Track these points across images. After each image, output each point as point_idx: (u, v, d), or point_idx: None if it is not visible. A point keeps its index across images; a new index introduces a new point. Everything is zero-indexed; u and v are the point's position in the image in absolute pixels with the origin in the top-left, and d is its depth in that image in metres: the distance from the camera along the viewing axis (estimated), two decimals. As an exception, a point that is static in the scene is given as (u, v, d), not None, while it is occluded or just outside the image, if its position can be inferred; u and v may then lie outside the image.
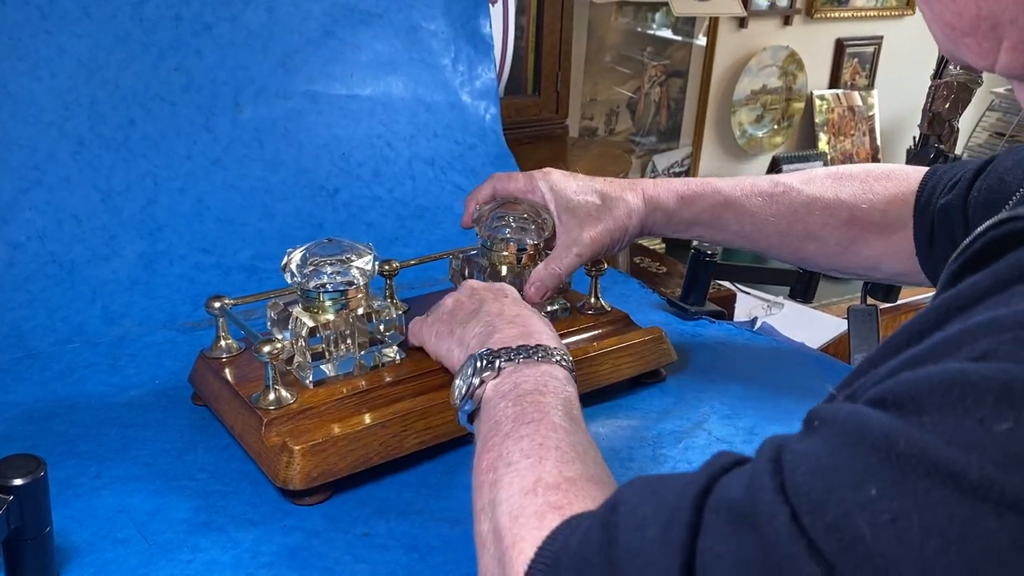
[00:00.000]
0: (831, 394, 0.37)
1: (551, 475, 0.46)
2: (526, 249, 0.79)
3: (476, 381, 0.57)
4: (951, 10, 0.40)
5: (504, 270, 0.79)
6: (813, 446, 0.31)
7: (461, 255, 0.82)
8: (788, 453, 0.32)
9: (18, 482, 0.50)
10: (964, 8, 0.39)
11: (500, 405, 0.53)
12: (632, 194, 0.77)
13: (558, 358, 0.58)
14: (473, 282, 0.71)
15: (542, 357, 0.57)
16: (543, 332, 0.61)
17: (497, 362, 0.57)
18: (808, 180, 0.77)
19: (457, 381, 0.59)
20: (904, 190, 0.75)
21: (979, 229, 0.35)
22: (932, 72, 0.86)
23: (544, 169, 0.80)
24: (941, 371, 0.29)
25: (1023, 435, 0.26)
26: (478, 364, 0.57)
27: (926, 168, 0.75)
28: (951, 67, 0.82)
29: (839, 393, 0.36)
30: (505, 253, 0.79)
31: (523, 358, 0.57)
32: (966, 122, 2.68)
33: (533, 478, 0.46)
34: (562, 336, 0.78)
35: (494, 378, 0.57)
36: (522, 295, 0.73)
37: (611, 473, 0.49)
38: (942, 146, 0.85)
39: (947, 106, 0.83)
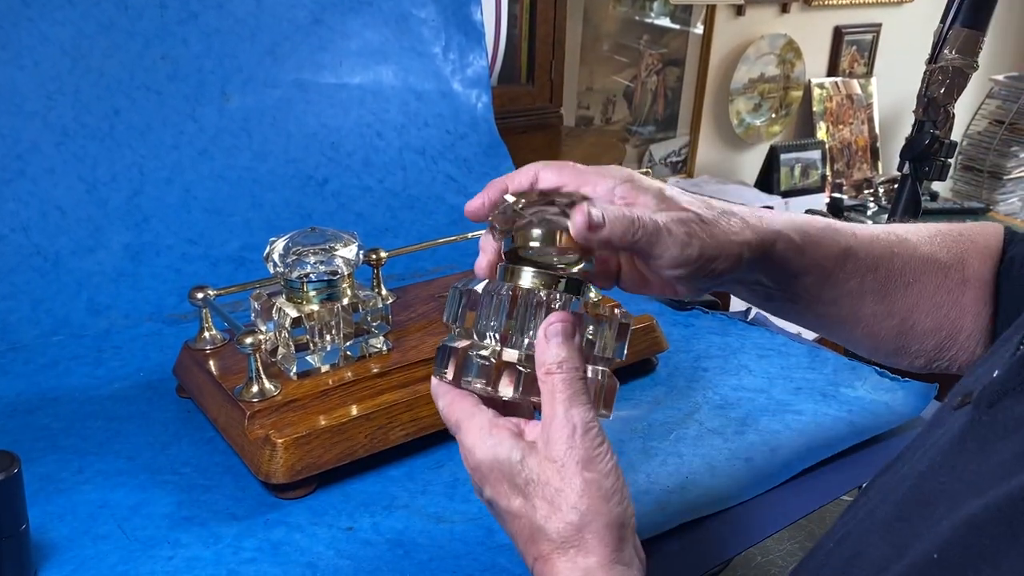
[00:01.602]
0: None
1: None
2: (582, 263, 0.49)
3: None
4: None
5: (543, 294, 0.46)
6: None
7: (461, 286, 0.48)
8: None
9: (-8, 478, 0.49)
10: None
11: None
12: (742, 209, 0.55)
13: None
14: (470, 465, 0.47)
15: None
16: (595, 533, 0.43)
17: None
18: (920, 232, 0.61)
19: None
20: (987, 244, 0.60)
21: None
22: (927, 57, 0.84)
23: (620, 166, 0.53)
24: None
25: None
26: None
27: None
28: (946, 52, 0.81)
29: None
30: (550, 251, 0.48)
31: None
32: (965, 109, 2.67)
33: None
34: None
35: None
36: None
37: None
38: (937, 132, 0.84)
39: (942, 91, 0.82)
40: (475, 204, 0.52)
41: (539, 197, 0.50)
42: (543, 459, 0.43)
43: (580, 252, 0.48)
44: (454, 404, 0.47)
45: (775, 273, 0.56)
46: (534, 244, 0.48)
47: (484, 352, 0.46)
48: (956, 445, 0.36)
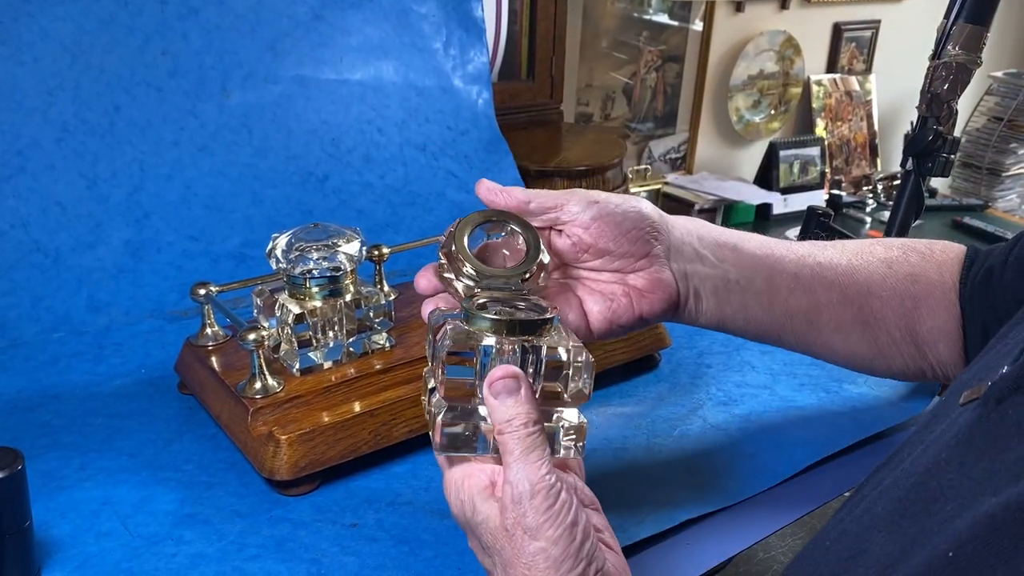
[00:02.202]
0: None
1: None
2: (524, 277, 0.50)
3: None
4: None
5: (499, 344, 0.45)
6: None
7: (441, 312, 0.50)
8: None
9: (-5, 475, 0.49)
10: None
11: None
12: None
13: None
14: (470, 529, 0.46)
15: None
16: None
17: None
18: (858, 252, 0.62)
19: None
20: (947, 258, 0.62)
21: None
22: (931, 53, 0.84)
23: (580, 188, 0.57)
24: None
25: None
26: None
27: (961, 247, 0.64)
28: (949, 47, 0.81)
29: None
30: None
31: None
32: (964, 106, 2.67)
33: None
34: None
35: None
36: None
37: None
38: (941, 128, 0.84)
39: (946, 87, 0.82)
40: (422, 285, 0.54)
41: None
42: (498, 525, 0.42)
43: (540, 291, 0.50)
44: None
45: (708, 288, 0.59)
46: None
47: (456, 429, 0.45)
48: (964, 442, 0.36)
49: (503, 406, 0.43)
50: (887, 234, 1.01)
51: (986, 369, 0.41)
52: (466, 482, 0.44)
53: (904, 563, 0.33)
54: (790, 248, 0.61)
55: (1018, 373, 0.35)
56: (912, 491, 0.37)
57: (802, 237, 0.96)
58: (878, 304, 0.61)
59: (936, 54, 0.82)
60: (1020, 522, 0.29)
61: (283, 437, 0.60)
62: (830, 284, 0.60)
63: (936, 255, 0.63)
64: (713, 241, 0.59)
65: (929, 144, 0.85)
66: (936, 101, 0.83)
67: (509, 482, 0.41)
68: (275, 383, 0.64)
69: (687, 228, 0.59)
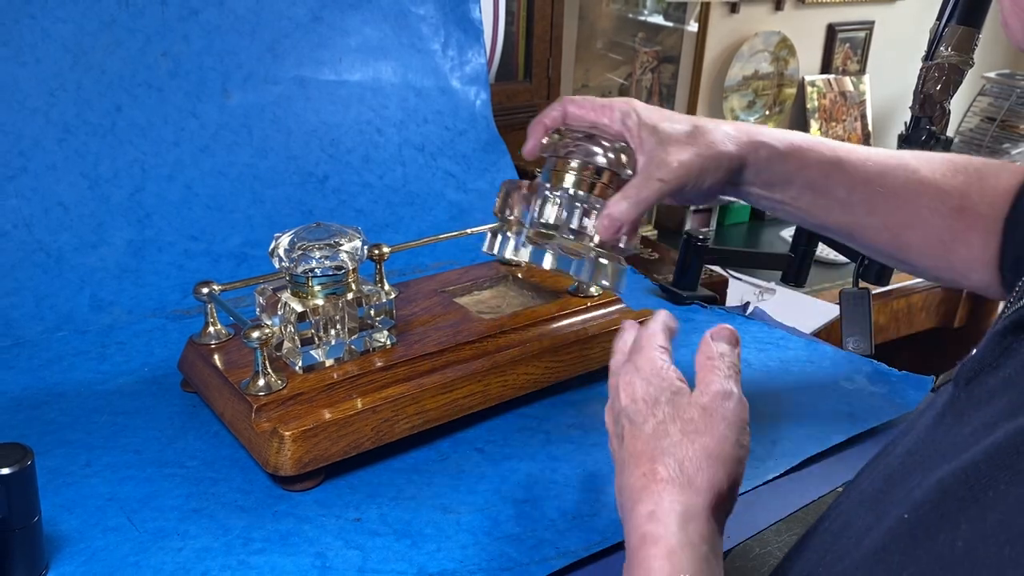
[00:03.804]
0: None
1: None
2: (602, 176, 0.65)
3: None
4: None
5: (569, 193, 0.64)
6: None
7: (506, 185, 0.69)
8: None
9: (5, 471, 0.50)
10: None
11: None
12: (732, 126, 0.66)
13: None
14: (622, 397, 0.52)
15: None
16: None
17: None
18: (927, 160, 0.67)
19: None
20: (1009, 185, 0.64)
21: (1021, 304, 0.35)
22: (923, 55, 0.85)
23: (626, 98, 0.68)
24: None
25: None
26: None
27: None
28: (942, 48, 0.82)
29: None
30: (573, 172, 0.65)
31: None
32: (957, 107, 2.68)
33: None
34: (553, 319, 0.78)
35: None
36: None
37: None
38: (934, 128, 0.85)
39: (938, 88, 0.83)
40: (528, 148, 0.69)
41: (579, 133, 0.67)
42: (693, 401, 0.49)
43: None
44: (647, 331, 0.55)
45: (762, 180, 0.66)
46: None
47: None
48: (937, 421, 0.38)
49: (723, 345, 0.54)
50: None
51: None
52: (666, 362, 0.53)
53: (874, 530, 0.35)
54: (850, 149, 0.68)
55: (983, 354, 0.37)
56: (895, 470, 0.39)
57: (796, 237, 0.97)
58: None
59: (929, 55, 0.83)
60: (965, 485, 0.31)
61: (287, 433, 0.61)
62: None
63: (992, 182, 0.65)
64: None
65: (922, 144, 0.86)
66: (929, 102, 0.84)
67: (719, 382, 0.50)
68: (278, 380, 0.65)
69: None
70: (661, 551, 0.43)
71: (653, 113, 0.66)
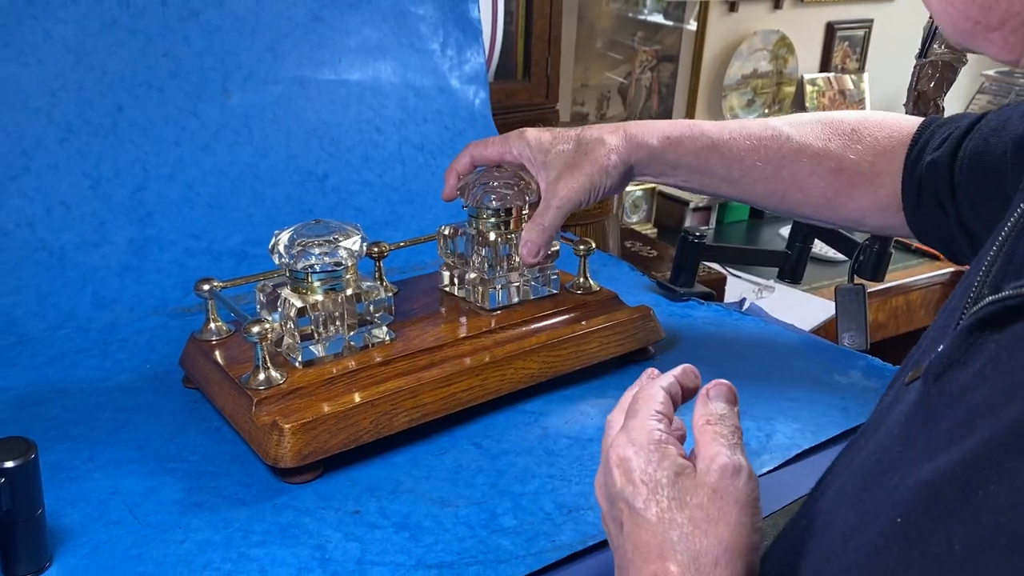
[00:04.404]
0: None
1: None
2: (512, 213, 0.79)
3: None
4: (978, 4, 0.39)
5: (492, 236, 0.79)
6: None
7: (449, 226, 0.82)
8: None
9: (9, 465, 0.51)
10: (994, 4, 0.39)
11: None
12: (612, 135, 0.75)
13: None
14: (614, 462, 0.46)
15: None
16: None
17: None
18: (798, 125, 0.75)
19: None
20: (895, 143, 0.72)
21: (987, 299, 0.35)
22: (917, 52, 0.86)
23: (520, 129, 0.77)
24: None
25: None
26: None
27: (921, 119, 0.74)
28: (935, 46, 0.82)
29: None
30: (492, 220, 0.78)
31: None
32: (956, 105, 2.69)
33: None
34: (551, 315, 0.78)
35: None
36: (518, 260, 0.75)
37: None
38: (927, 125, 0.85)
39: (932, 85, 0.83)
40: (446, 193, 0.80)
41: (480, 172, 0.79)
42: (700, 483, 0.43)
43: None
44: (646, 392, 0.49)
45: (651, 172, 0.76)
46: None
47: None
48: (910, 418, 0.38)
49: (721, 404, 0.48)
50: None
51: (931, 345, 0.43)
52: (664, 436, 0.46)
53: (862, 532, 0.35)
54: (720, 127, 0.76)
55: (950, 351, 0.37)
56: (873, 468, 0.38)
57: (793, 234, 0.97)
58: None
59: (922, 52, 0.84)
60: (955, 486, 0.31)
61: (286, 426, 0.62)
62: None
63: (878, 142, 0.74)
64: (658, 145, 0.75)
65: (916, 141, 0.86)
66: (923, 99, 0.85)
67: (723, 456, 0.44)
68: (278, 375, 0.66)
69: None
70: None
71: (544, 138, 0.75)
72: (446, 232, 0.82)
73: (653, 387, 0.49)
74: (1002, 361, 0.33)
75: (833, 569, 0.36)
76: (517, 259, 0.79)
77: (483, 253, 0.79)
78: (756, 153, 0.74)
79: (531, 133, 0.76)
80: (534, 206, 0.77)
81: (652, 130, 0.75)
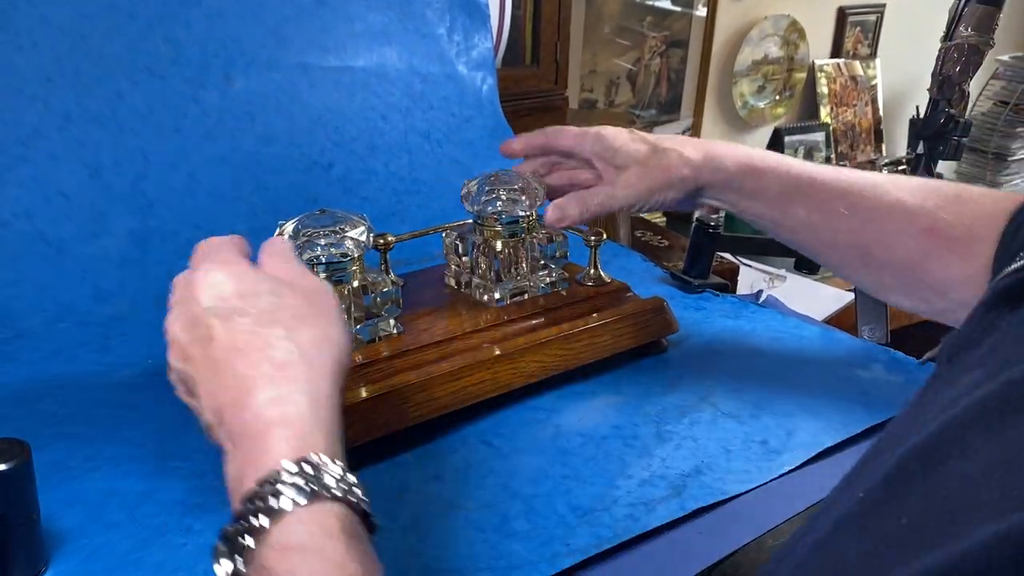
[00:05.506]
0: None
1: None
2: (519, 223, 0.76)
3: None
4: None
5: (499, 245, 0.76)
6: None
7: (455, 231, 0.80)
8: None
9: (1, 467, 0.49)
10: None
11: None
12: (692, 148, 0.72)
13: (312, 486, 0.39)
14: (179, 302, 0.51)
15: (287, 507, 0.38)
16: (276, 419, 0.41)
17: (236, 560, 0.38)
18: (895, 179, 0.68)
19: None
20: (999, 210, 0.62)
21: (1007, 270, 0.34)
22: (942, 35, 0.83)
23: (599, 126, 0.76)
24: None
25: None
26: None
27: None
28: (961, 28, 0.80)
29: None
30: (497, 228, 0.76)
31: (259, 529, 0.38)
32: (971, 90, 2.65)
33: None
34: (561, 308, 0.76)
35: None
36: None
37: None
38: (953, 111, 0.83)
39: (957, 69, 0.81)
40: (516, 148, 0.81)
41: (486, 177, 0.77)
42: (297, 288, 0.49)
43: None
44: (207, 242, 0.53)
45: (722, 199, 0.72)
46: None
47: None
48: (917, 399, 0.38)
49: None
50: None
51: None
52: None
53: (834, 508, 0.34)
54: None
55: (968, 329, 0.37)
56: (871, 449, 0.38)
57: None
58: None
59: (948, 35, 0.81)
60: (918, 460, 0.31)
61: (291, 426, 0.59)
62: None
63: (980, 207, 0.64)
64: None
65: (940, 127, 0.84)
66: (948, 83, 0.82)
67: (312, 278, 0.52)
68: (282, 372, 0.64)
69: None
70: (294, 432, 0.40)
71: (620, 136, 0.73)
72: (448, 240, 0.80)
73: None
74: (1005, 344, 0.33)
75: (807, 543, 0.35)
76: (524, 266, 0.77)
77: (489, 263, 0.77)
78: (844, 200, 0.67)
79: (609, 131, 0.74)
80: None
81: (735, 154, 0.71)
